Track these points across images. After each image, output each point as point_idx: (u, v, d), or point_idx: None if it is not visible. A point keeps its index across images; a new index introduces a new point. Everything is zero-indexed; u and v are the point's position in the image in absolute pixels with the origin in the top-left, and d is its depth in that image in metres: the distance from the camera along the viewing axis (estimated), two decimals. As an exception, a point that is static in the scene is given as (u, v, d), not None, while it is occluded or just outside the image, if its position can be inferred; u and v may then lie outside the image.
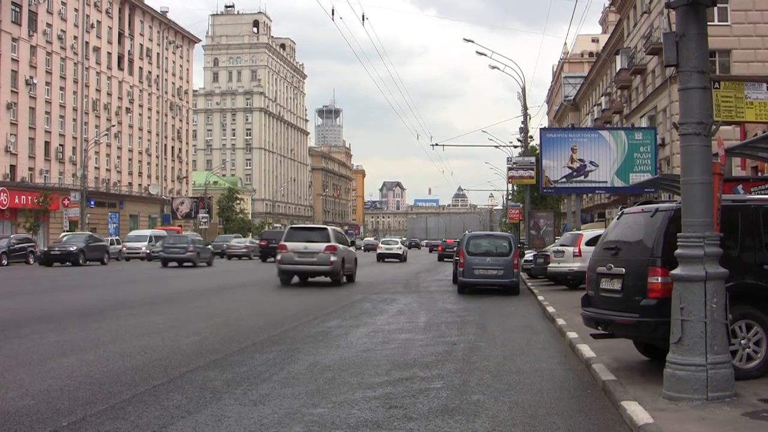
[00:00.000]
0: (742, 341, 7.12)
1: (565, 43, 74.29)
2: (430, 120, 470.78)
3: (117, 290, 20.09)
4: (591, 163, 28.93)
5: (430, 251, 66.07)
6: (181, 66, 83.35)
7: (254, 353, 8.96)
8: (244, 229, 77.09)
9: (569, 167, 29.15)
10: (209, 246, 40.48)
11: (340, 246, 21.87)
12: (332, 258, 20.88)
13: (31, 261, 37.55)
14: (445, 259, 45.49)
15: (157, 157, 76.50)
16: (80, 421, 5.65)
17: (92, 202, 57.43)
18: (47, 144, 57.33)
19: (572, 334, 10.33)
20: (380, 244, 50.68)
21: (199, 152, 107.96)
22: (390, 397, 6.63)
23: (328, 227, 23.12)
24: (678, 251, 6.38)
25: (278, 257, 21.49)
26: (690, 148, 6.42)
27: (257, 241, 48.36)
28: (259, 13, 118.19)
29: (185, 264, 34.32)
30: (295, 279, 21.78)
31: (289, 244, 21.06)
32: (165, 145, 78.22)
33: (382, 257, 46.55)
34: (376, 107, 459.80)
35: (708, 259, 6.20)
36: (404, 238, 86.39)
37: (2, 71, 51.50)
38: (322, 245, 21.01)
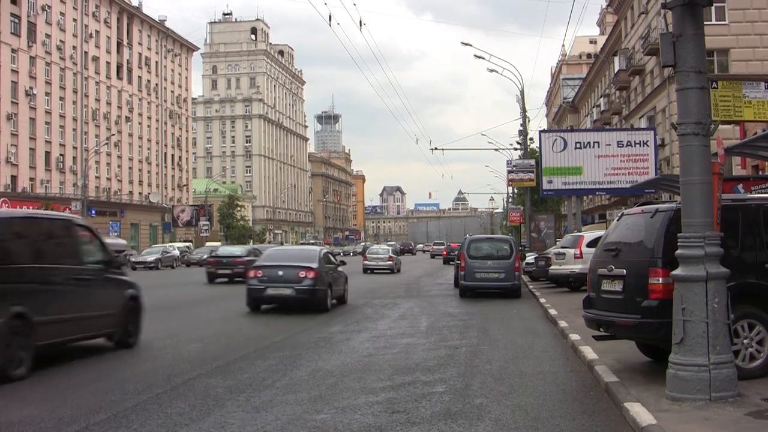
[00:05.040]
0: (745, 341, 7.11)
1: (563, 45, 74.36)
2: (429, 124, 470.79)
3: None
4: (591, 164, 28.88)
5: (432, 257, 65.23)
6: (179, 74, 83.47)
7: (256, 360, 8.96)
8: (245, 236, 77.05)
9: (569, 169, 29.09)
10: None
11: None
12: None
13: None
14: (450, 263, 45.81)
15: (157, 165, 76.55)
16: (83, 430, 5.65)
17: (93, 212, 57.45)
18: (48, 154, 57.41)
19: (574, 336, 10.32)
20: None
21: (199, 160, 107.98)
22: (393, 401, 6.63)
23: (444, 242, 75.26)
24: (678, 251, 6.37)
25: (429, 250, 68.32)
26: (689, 148, 6.41)
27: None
28: (257, 20, 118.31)
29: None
30: None
31: (434, 246, 75.34)
32: (165, 153, 78.28)
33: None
34: (375, 112, 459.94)
35: (709, 259, 6.19)
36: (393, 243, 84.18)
37: (2, 82, 51.60)
38: (443, 246, 64.12)
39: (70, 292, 9.01)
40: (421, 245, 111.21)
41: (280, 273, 15.28)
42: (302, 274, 15.13)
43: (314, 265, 15.46)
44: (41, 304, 8.25)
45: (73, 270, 9.20)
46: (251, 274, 15.70)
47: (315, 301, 15.20)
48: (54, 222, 9.69)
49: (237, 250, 29.12)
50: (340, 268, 17.71)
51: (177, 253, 45.87)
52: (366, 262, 36.61)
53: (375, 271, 35.36)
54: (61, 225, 9.64)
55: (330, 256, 17.71)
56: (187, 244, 57.38)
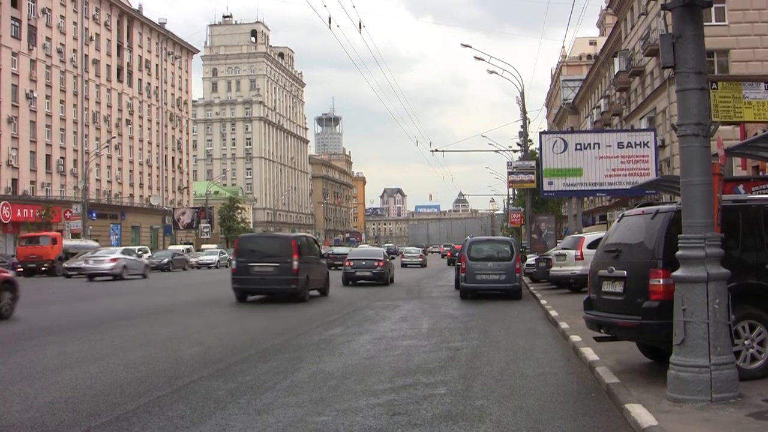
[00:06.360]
0: (746, 342, 7.10)
1: (563, 47, 74.32)
2: (430, 126, 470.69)
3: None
4: (591, 165, 28.85)
5: (442, 257, 72.20)
6: (180, 77, 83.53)
7: (257, 362, 8.96)
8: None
9: (569, 170, 29.07)
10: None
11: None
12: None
13: None
14: (455, 263, 46.18)
15: (158, 168, 76.57)
16: (84, 434, 5.66)
17: (94, 214, 57.47)
18: (48, 157, 57.45)
19: (575, 338, 10.32)
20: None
21: (199, 162, 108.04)
22: (394, 403, 6.63)
23: (453, 244, 72.66)
24: (679, 252, 6.37)
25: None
26: (689, 149, 6.41)
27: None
28: (257, 22, 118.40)
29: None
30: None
31: (443, 247, 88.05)
32: (165, 155, 78.30)
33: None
34: (375, 114, 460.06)
35: (709, 260, 6.19)
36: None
37: (3, 85, 51.65)
38: (449, 248, 67.01)
39: (314, 268, 19.22)
40: (429, 247, 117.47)
41: (363, 262, 26.68)
42: (376, 263, 26.34)
43: (382, 258, 26.75)
44: (310, 272, 18.40)
45: (313, 258, 19.74)
46: (346, 263, 27.18)
47: (382, 279, 26.06)
48: (309, 237, 21.57)
49: (343, 250, 46.40)
50: (392, 261, 29.63)
51: None
52: (403, 259, 50.90)
53: (409, 265, 47.79)
54: (308, 239, 20.95)
55: (387, 254, 28.86)
56: (188, 246, 58.41)
